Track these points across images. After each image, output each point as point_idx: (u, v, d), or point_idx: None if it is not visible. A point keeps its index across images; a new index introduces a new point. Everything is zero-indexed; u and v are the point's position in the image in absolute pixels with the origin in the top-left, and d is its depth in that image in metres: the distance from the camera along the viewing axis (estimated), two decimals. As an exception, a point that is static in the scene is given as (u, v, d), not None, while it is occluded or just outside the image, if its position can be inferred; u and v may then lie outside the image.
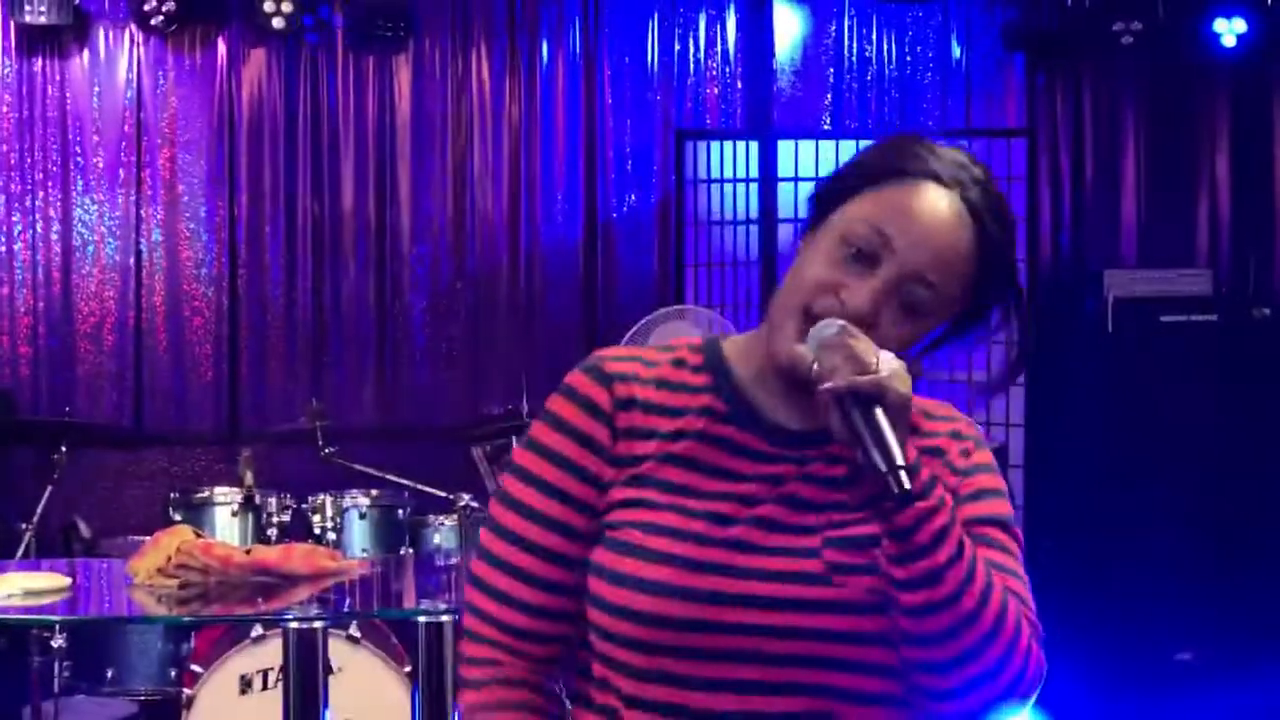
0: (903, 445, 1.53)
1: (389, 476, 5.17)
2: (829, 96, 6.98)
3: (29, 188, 6.40)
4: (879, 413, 1.53)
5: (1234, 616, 6.31)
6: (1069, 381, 6.57)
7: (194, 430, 6.52)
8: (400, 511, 5.35)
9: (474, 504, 4.61)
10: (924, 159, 1.68)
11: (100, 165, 6.45)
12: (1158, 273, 6.52)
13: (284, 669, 3.71)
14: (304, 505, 5.27)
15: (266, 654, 4.37)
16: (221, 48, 6.52)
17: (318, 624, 3.60)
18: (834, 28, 6.97)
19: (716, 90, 6.90)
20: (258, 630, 4.41)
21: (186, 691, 4.49)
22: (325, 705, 3.65)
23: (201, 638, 4.78)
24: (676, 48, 6.86)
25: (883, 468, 1.51)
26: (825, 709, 1.65)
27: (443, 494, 5.01)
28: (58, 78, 6.42)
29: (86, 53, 6.44)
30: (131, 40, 6.45)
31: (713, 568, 1.64)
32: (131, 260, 6.47)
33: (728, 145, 6.53)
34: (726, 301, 6.56)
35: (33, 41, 6.38)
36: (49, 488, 5.25)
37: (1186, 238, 7.04)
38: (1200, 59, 6.91)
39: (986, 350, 1.83)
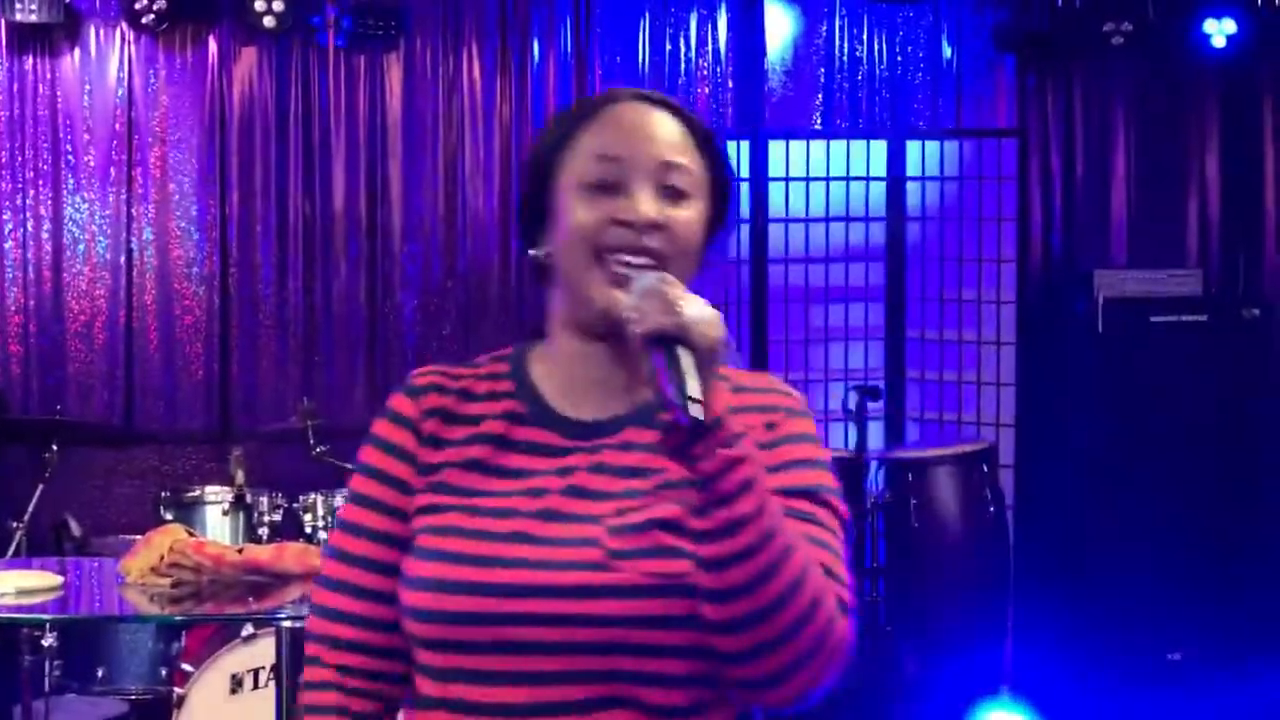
0: (706, 386, 1.55)
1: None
2: (820, 96, 6.99)
3: (19, 186, 6.40)
4: (682, 352, 1.56)
5: (1225, 616, 6.33)
6: (1059, 381, 6.58)
7: (185, 429, 6.52)
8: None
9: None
10: (594, 98, 1.80)
11: (91, 164, 6.44)
12: (1148, 273, 6.54)
13: (275, 668, 3.72)
14: (295, 504, 5.27)
15: (258, 653, 4.38)
16: (213, 46, 6.51)
17: (310, 623, 3.60)
18: (825, 28, 6.98)
19: (707, 90, 6.90)
20: (249, 629, 4.41)
21: (178, 690, 4.49)
22: (317, 704, 3.65)
23: (192, 636, 4.78)
24: (668, 47, 6.86)
25: (676, 402, 1.53)
26: (623, 694, 1.65)
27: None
28: (48, 76, 6.41)
29: (77, 51, 6.43)
30: (122, 39, 6.44)
31: (488, 560, 1.66)
32: (122, 259, 6.46)
33: (719, 145, 6.52)
34: (716, 301, 6.54)
35: (23, 40, 6.37)
36: (40, 486, 5.26)
37: (1176, 238, 7.06)
38: (1190, 60, 6.93)
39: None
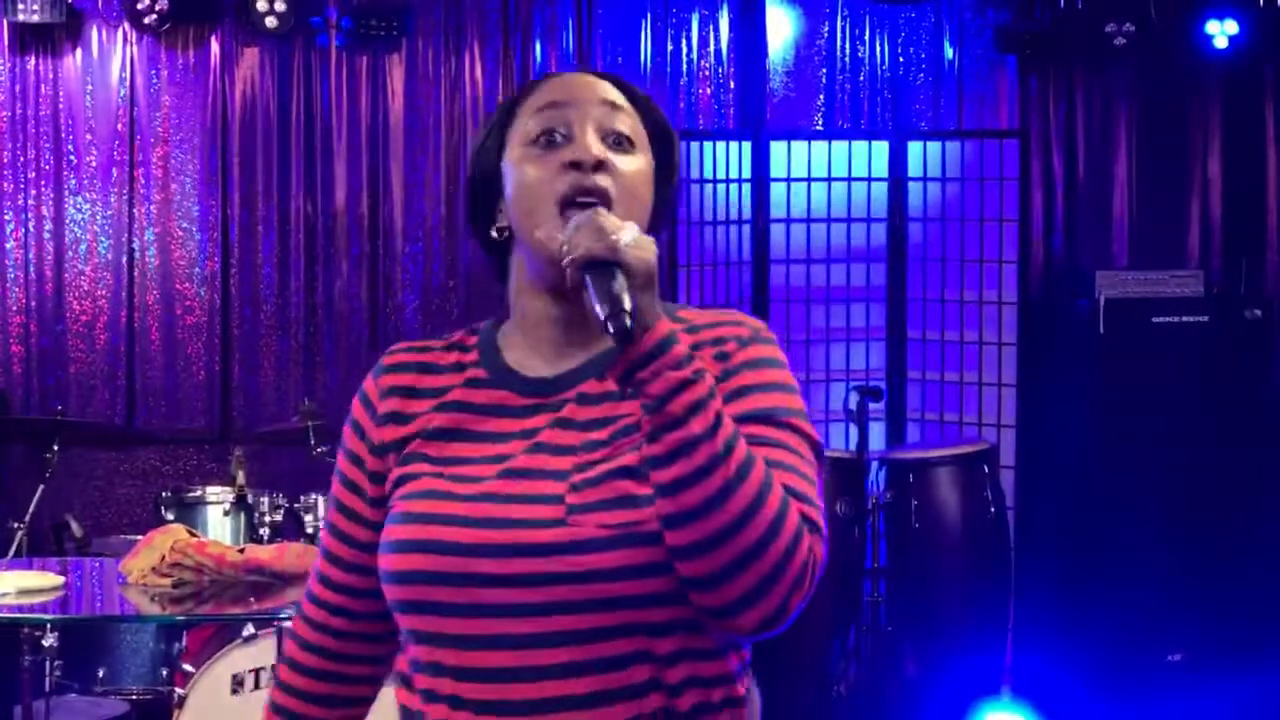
0: (643, 304, 1.58)
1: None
2: (821, 97, 6.99)
3: (21, 186, 6.40)
4: (618, 274, 1.58)
5: (1225, 617, 6.33)
6: (1060, 382, 6.58)
7: (186, 429, 6.53)
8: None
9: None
10: (537, 80, 1.84)
11: (93, 164, 6.45)
12: (1149, 274, 6.53)
13: (276, 668, 3.71)
14: (296, 504, 5.27)
15: (258, 653, 4.37)
16: (215, 47, 6.52)
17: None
18: (827, 28, 6.98)
19: (709, 90, 6.91)
20: (250, 629, 4.41)
21: (178, 691, 4.48)
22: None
23: (193, 637, 4.77)
24: (669, 48, 6.86)
25: (608, 315, 1.56)
26: (619, 652, 1.63)
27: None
28: (51, 76, 6.42)
29: (79, 51, 6.44)
30: (124, 39, 6.45)
31: (453, 519, 1.67)
32: (124, 259, 6.47)
33: (720, 146, 6.53)
34: (719, 302, 6.57)
35: (25, 40, 6.38)
36: (41, 486, 5.26)
37: (1178, 239, 7.06)
38: (1192, 60, 6.93)
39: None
